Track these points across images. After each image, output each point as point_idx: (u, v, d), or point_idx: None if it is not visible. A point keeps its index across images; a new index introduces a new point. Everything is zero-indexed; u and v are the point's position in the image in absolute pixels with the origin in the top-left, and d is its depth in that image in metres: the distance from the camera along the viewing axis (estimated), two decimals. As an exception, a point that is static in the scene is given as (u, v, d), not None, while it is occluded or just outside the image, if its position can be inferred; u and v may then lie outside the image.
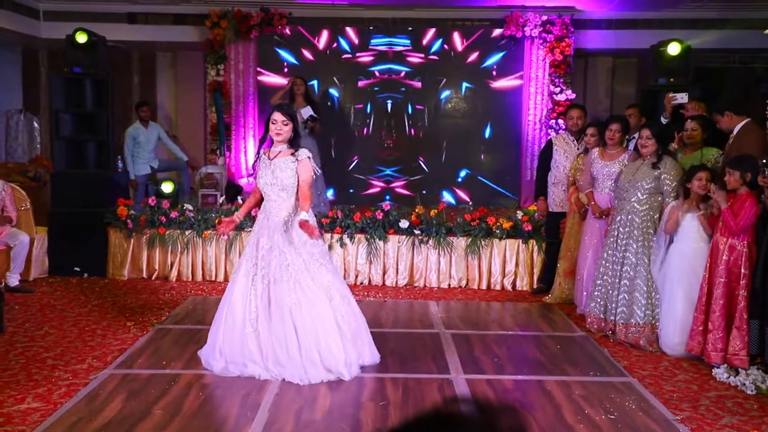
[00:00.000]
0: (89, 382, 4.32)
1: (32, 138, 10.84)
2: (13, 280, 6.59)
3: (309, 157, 4.56)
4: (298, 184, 4.53)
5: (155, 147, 8.99)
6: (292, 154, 4.53)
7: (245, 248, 4.71)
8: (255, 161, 4.73)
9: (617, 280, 5.38)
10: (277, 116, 4.51)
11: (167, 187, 8.70)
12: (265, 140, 4.70)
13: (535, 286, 7.09)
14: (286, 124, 4.51)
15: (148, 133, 8.88)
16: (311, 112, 7.93)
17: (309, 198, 4.51)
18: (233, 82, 9.67)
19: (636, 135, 5.75)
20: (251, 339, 4.41)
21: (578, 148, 6.54)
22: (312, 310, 4.38)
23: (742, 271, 4.64)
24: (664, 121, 6.54)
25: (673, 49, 7.52)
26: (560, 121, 9.30)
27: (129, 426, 3.67)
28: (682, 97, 6.41)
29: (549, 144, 6.89)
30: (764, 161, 4.51)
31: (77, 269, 7.33)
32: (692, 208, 5.03)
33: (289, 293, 4.39)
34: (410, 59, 9.77)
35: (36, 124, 10.84)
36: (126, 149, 8.68)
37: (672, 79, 7.50)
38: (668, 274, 5.11)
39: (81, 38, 7.51)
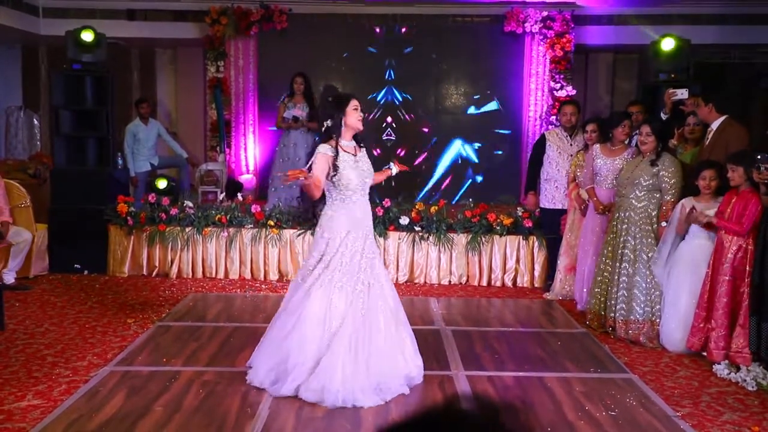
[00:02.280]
0: (90, 379, 4.32)
1: (32, 135, 10.84)
2: (9, 277, 6.56)
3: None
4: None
5: (155, 144, 8.97)
6: (360, 147, 4.27)
7: (335, 257, 4.04)
8: (334, 157, 4.10)
9: (616, 277, 5.37)
10: (357, 103, 4.17)
11: (162, 184, 8.71)
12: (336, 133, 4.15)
13: (537, 284, 7.08)
14: (363, 113, 4.21)
15: (148, 130, 8.86)
16: (293, 114, 7.88)
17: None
18: (233, 78, 9.66)
19: (637, 132, 5.73)
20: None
21: (571, 145, 6.52)
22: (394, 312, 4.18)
23: (747, 268, 4.61)
24: (663, 117, 6.53)
25: (667, 44, 7.40)
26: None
27: (129, 423, 3.67)
28: (682, 93, 6.38)
29: (542, 139, 6.77)
30: (759, 156, 4.47)
31: (77, 266, 7.33)
32: (707, 203, 4.98)
33: (381, 297, 4.12)
34: (411, 55, 9.75)
35: (36, 121, 10.84)
36: (126, 146, 8.66)
37: (672, 75, 7.47)
38: (675, 270, 5.08)
39: (87, 36, 7.48)
